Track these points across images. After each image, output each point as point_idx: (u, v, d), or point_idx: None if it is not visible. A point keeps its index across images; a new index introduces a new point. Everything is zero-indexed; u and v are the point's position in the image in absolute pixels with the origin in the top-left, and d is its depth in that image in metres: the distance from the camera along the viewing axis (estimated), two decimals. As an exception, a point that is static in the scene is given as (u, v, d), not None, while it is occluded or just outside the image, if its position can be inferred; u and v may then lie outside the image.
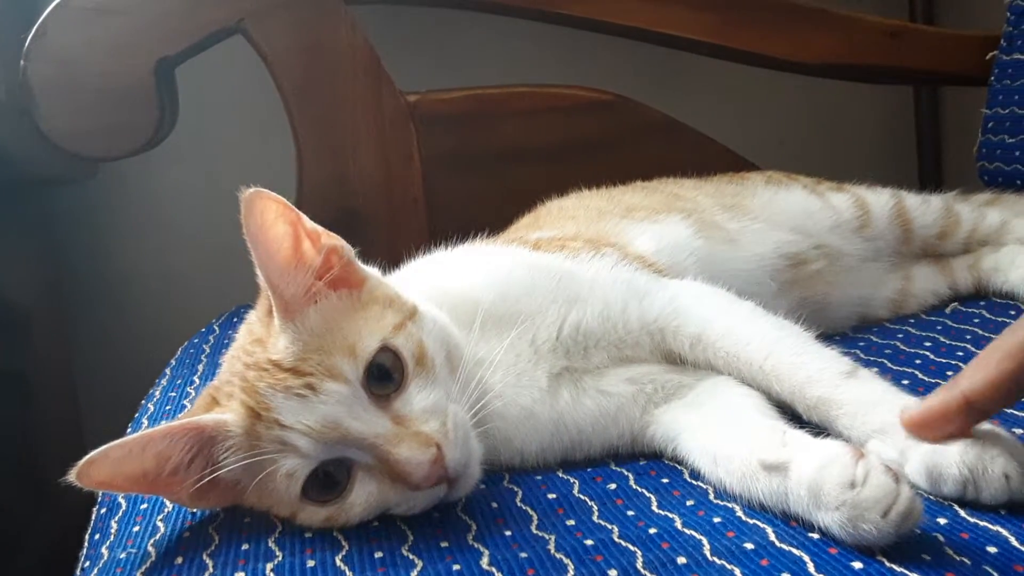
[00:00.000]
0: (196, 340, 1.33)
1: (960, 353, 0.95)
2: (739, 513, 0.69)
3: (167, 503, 0.81)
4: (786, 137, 1.99)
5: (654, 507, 0.72)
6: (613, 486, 0.76)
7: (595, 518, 0.71)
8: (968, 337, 1.00)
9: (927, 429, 0.65)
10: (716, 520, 0.68)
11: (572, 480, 0.78)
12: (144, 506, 0.82)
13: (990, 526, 0.62)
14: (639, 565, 0.62)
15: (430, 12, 1.68)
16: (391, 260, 0.93)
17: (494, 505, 0.74)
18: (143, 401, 1.12)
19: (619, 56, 1.82)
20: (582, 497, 0.75)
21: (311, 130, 1.48)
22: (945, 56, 1.62)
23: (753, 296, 0.88)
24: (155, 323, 1.85)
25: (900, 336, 1.05)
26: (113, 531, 0.79)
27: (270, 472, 0.70)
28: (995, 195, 1.34)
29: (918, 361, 0.95)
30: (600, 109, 1.57)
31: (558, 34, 1.63)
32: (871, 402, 0.72)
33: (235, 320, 1.40)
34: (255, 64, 1.48)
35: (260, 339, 0.74)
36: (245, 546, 0.71)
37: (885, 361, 0.96)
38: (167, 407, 1.05)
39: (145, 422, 1.02)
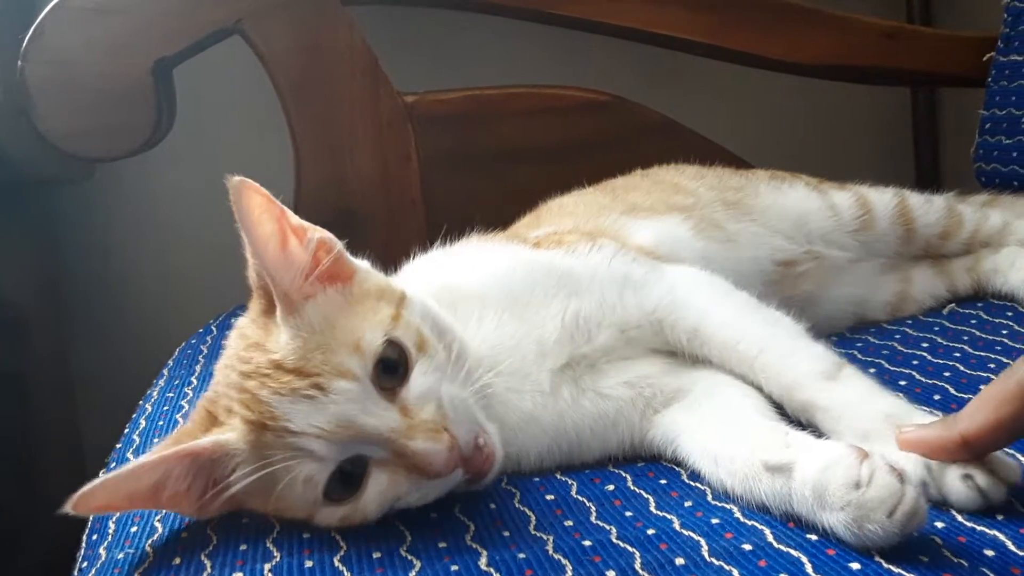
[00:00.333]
0: (194, 341, 1.33)
1: (957, 354, 0.96)
2: (737, 514, 0.69)
3: (165, 504, 0.81)
4: (783, 138, 1.99)
5: (652, 508, 0.72)
6: (611, 487, 0.76)
7: (593, 519, 0.71)
8: (965, 338, 1.00)
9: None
10: (714, 521, 0.68)
11: (570, 481, 0.78)
12: (142, 507, 0.82)
13: (987, 530, 0.62)
14: (637, 566, 0.63)
15: (428, 13, 1.68)
16: (389, 261, 0.93)
17: (492, 506, 0.74)
18: (141, 401, 1.11)
19: (616, 57, 1.82)
20: (580, 498, 0.75)
21: (309, 130, 1.47)
22: (942, 57, 1.62)
23: None
24: (153, 323, 1.85)
25: (897, 337, 1.05)
26: (111, 532, 0.79)
27: (283, 480, 0.69)
28: (992, 196, 1.34)
29: (915, 362, 0.95)
30: (597, 109, 1.57)
31: (555, 35, 1.63)
32: (853, 404, 0.73)
33: (233, 321, 1.39)
34: (253, 65, 1.47)
35: (257, 343, 0.73)
36: (243, 547, 0.71)
37: (883, 362, 0.96)
38: (164, 407, 1.05)
39: (143, 423, 1.02)
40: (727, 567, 0.61)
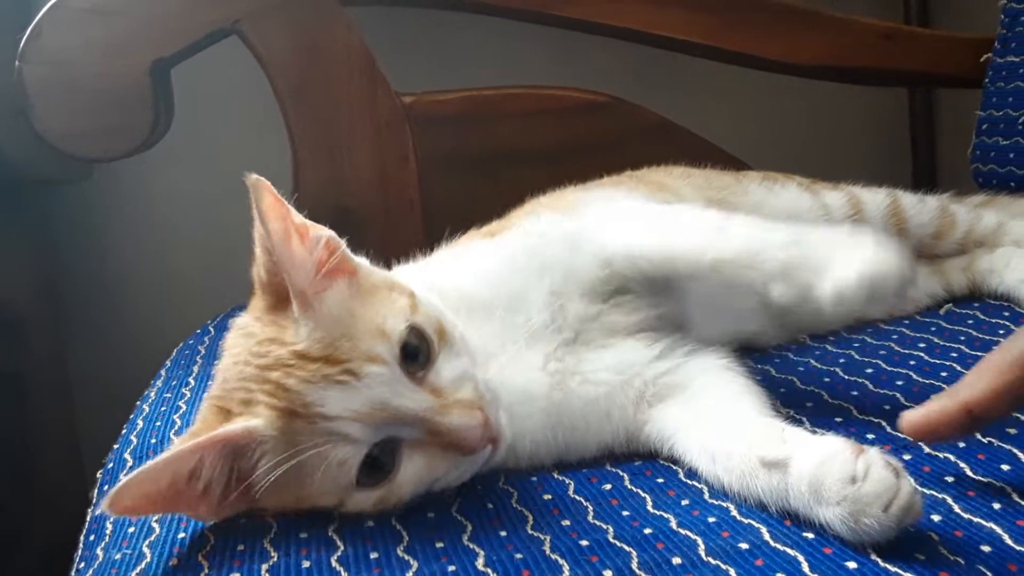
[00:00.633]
0: (191, 341, 1.33)
1: (954, 354, 0.96)
2: (734, 513, 0.69)
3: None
4: (781, 139, 1.99)
5: (649, 507, 0.72)
6: (608, 486, 0.76)
7: (590, 518, 0.71)
8: (962, 338, 1.01)
9: (925, 433, 0.66)
10: (711, 520, 0.68)
11: (567, 481, 0.78)
12: (139, 507, 0.82)
13: (984, 523, 0.62)
14: (634, 565, 0.63)
15: (426, 14, 1.68)
16: (387, 261, 0.93)
17: (489, 506, 0.74)
18: (138, 402, 1.11)
19: (614, 58, 1.83)
20: (577, 498, 0.75)
21: (307, 131, 1.48)
22: (939, 58, 1.62)
23: (727, 300, 0.91)
24: (150, 324, 1.85)
25: (895, 337, 1.05)
26: (108, 532, 0.79)
27: (315, 466, 0.69)
28: (989, 197, 1.34)
29: (912, 362, 0.95)
30: (595, 110, 1.57)
31: (553, 36, 1.64)
32: (750, 245, 0.78)
33: (230, 322, 1.39)
34: (251, 65, 1.47)
35: (272, 338, 0.73)
36: (240, 547, 0.71)
37: (880, 363, 0.96)
38: (162, 408, 1.05)
39: (140, 423, 1.02)
40: (724, 566, 0.61)
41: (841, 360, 0.98)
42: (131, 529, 0.78)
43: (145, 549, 0.73)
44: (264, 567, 0.68)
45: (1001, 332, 1.01)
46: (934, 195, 1.24)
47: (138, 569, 0.71)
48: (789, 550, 0.62)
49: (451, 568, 0.65)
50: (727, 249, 0.79)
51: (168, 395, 1.09)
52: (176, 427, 0.98)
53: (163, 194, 1.88)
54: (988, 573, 0.57)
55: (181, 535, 0.74)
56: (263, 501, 0.73)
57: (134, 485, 0.67)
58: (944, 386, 0.87)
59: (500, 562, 0.65)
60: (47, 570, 1.45)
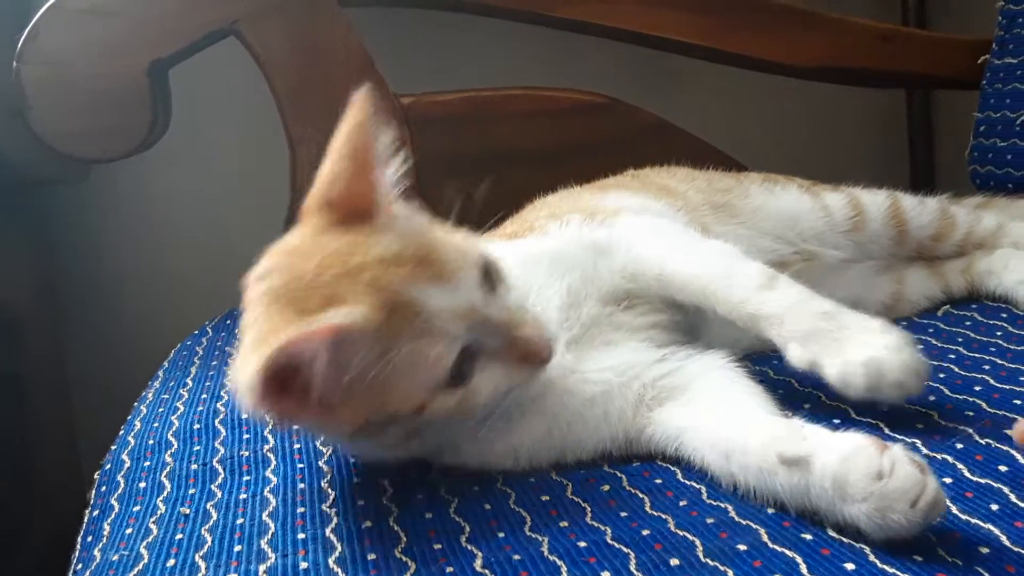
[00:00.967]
0: (189, 342, 1.33)
1: (952, 356, 0.96)
2: (732, 514, 0.69)
3: (160, 505, 0.81)
4: (778, 140, 1.99)
5: (647, 508, 0.72)
6: (606, 488, 0.76)
7: (588, 519, 0.71)
8: (960, 340, 1.01)
9: None
10: (709, 521, 0.68)
11: (565, 482, 0.78)
12: (137, 508, 0.82)
13: (982, 524, 0.62)
14: (632, 567, 0.63)
15: (424, 14, 1.68)
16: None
17: (487, 507, 0.74)
18: (136, 403, 1.11)
19: (612, 59, 1.83)
20: (575, 499, 0.75)
21: (305, 131, 1.47)
22: (937, 60, 1.62)
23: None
24: (148, 325, 1.85)
25: (892, 338, 1.05)
26: (106, 533, 0.79)
27: (410, 363, 0.69)
28: (987, 198, 1.34)
29: (910, 363, 0.95)
30: (593, 111, 1.57)
31: (551, 37, 1.64)
32: (793, 307, 0.81)
33: (228, 322, 1.40)
34: (249, 66, 1.47)
35: (354, 244, 0.72)
36: (238, 548, 0.71)
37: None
38: (160, 409, 1.05)
39: (138, 424, 1.02)
40: (722, 567, 0.61)
41: (839, 361, 0.98)
42: (128, 530, 0.78)
43: (143, 550, 0.73)
44: (262, 568, 0.68)
45: (999, 334, 1.01)
46: (933, 197, 1.24)
47: (136, 570, 0.70)
48: (787, 551, 0.62)
49: (449, 569, 0.65)
50: (765, 306, 0.82)
51: (166, 396, 1.09)
52: (174, 428, 0.98)
53: (161, 195, 1.88)
54: (986, 574, 0.57)
55: (179, 536, 0.74)
56: (339, 412, 0.70)
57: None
58: (942, 387, 0.87)
59: (498, 563, 0.65)
60: (45, 571, 1.45)
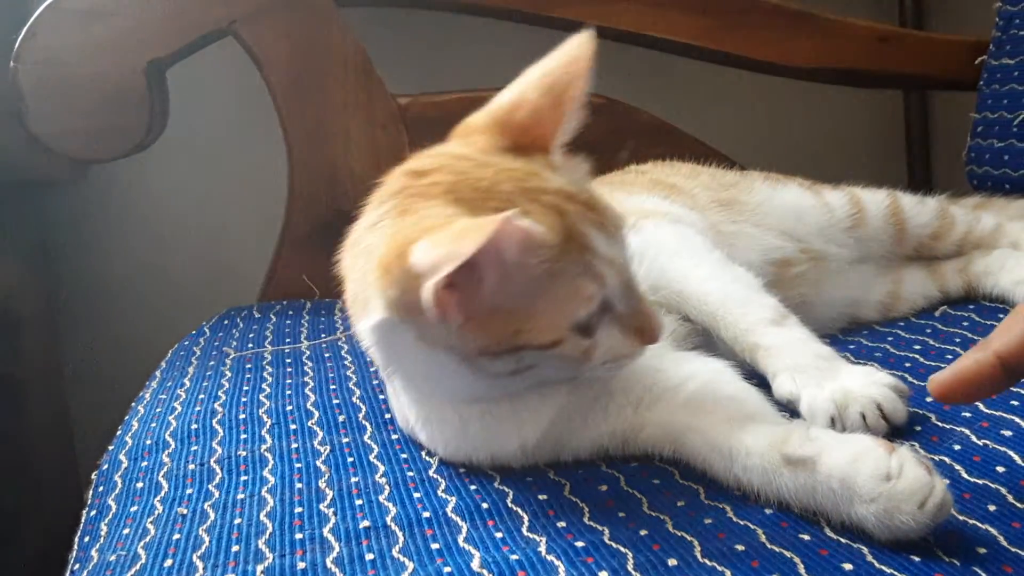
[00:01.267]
0: (187, 343, 1.33)
1: (949, 356, 0.96)
2: (730, 514, 0.69)
3: (157, 505, 0.81)
4: (776, 141, 2.00)
5: (645, 508, 0.72)
6: (604, 488, 0.76)
7: (586, 519, 0.71)
8: (957, 340, 1.01)
9: (958, 392, 0.62)
10: (707, 521, 0.68)
11: (563, 482, 0.78)
12: (134, 509, 0.82)
13: (980, 525, 0.62)
14: (630, 567, 0.63)
15: (421, 15, 1.68)
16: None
17: (485, 506, 0.74)
18: (133, 403, 1.11)
19: (609, 59, 1.81)
20: (573, 498, 0.75)
21: (302, 132, 1.48)
22: (934, 60, 1.62)
23: None
24: (145, 325, 1.84)
25: (890, 339, 1.05)
26: (103, 534, 0.79)
27: (565, 295, 0.69)
28: (984, 199, 1.34)
29: (908, 364, 0.95)
30: (591, 112, 1.56)
31: (550, 37, 1.63)
32: (790, 344, 0.84)
33: (225, 322, 1.40)
34: (246, 66, 1.47)
35: (528, 171, 0.74)
36: (235, 548, 0.71)
37: (875, 365, 0.96)
38: (157, 409, 1.04)
39: (135, 424, 1.02)
40: (720, 568, 0.61)
41: (837, 362, 0.98)
42: (125, 531, 0.77)
43: (140, 551, 0.73)
44: (260, 568, 0.67)
45: (996, 334, 1.01)
46: (932, 197, 1.24)
47: (133, 571, 0.70)
48: (785, 552, 0.62)
49: (447, 569, 0.65)
50: (767, 338, 0.85)
51: (163, 396, 1.09)
52: (171, 428, 0.98)
53: (158, 195, 1.87)
54: (983, 575, 0.57)
55: (176, 536, 0.74)
56: (480, 325, 0.69)
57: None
58: (940, 388, 0.87)
59: (495, 563, 0.65)
60: (42, 571, 1.45)
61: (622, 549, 0.65)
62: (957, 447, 0.74)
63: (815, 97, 1.87)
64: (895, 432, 0.77)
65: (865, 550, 0.61)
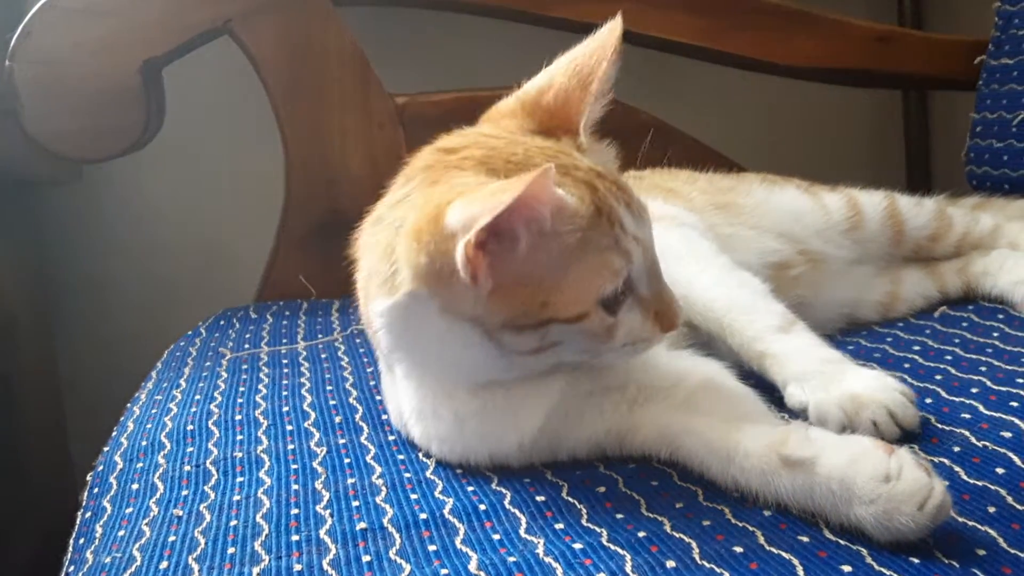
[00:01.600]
0: (182, 343, 1.32)
1: (948, 357, 0.96)
2: (728, 516, 0.68)
3: (153, 507, 0.80)
4: (775, 140, 2.00)
5: (644, 510, 0.71)
6: (602, 489, 0.76)
7: (584, 521, 0.70)
8: (956, 341, 1.00)
9: None
10: (706, 523, 0.68)
11: (561, 483, 0.78)
12: (129, 510, 0.82)
13: (979, 526, 0.62)
14: (628, 569, 0.62)
15: (419, 14, 1.68)
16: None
17: (482, 507, 0.74)
18: (128, 404, 1.11)
19: (609, 59, 1.82)
20: (571, 500, 0.74)
21: (299, 132, 1.47)
22: (934, 60, 1.62)
23: None
24: (141, 326, 1.84)
25: (889, 340, 1.05)
26: (98, 535, 0.79)
27: (593, 268, 0.70)
28: (983, 199, 1.34)
29: (907, 365, 0.95)
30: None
31: (548, 37, 1.63)
32: (797, 351, 0.83)
33: (222, 323, 1.39)
34: (243, 66, 1.47)
35: (558, 148, 0.76)
36: (231, 550, 0.70)
37: (874, 365, 0.96)
38: (152, 410, 1.04)
39: (130, 425, 1.02)
40: (718, 569, 0.61)
41: (836, 363, 0.98)
42: (121, 532, 0.77)
43: (135, 552, 0.73)
44: (256, 570, 0.67)
45: (995, 335, 1.01)
46: (930, 197, 1.24)
47: (128, 572, 0.70)
48: (784, 553, 0.62)
49: (444, 571, 0.65)
50: (774, 346, 0.85)
51: (159, 397, 1.08)
52: (167, 429, 0.97)
53: (154, 195, 1.87)
54: (983, 576, 0.57)
55: (171, 538, 0.74)
56: (506, 293, 0.69)
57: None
58: (939, 389, 0.87)
59: (493, 565, 0.65)
60: (37, 573, 1.45)
61: (620, 551, 0.65)
62: (957, 449, 0.73)
63: (814, 97, 1.87)
64: (906, 438, 0.76)
65: (864, 552, 0.61)
